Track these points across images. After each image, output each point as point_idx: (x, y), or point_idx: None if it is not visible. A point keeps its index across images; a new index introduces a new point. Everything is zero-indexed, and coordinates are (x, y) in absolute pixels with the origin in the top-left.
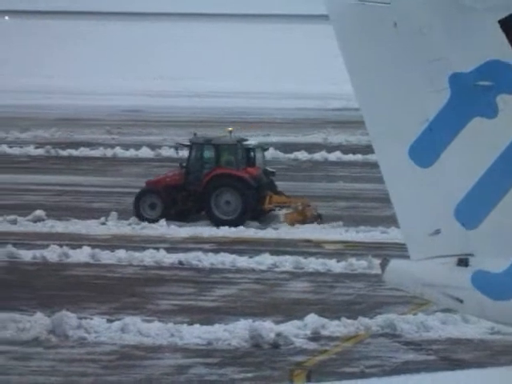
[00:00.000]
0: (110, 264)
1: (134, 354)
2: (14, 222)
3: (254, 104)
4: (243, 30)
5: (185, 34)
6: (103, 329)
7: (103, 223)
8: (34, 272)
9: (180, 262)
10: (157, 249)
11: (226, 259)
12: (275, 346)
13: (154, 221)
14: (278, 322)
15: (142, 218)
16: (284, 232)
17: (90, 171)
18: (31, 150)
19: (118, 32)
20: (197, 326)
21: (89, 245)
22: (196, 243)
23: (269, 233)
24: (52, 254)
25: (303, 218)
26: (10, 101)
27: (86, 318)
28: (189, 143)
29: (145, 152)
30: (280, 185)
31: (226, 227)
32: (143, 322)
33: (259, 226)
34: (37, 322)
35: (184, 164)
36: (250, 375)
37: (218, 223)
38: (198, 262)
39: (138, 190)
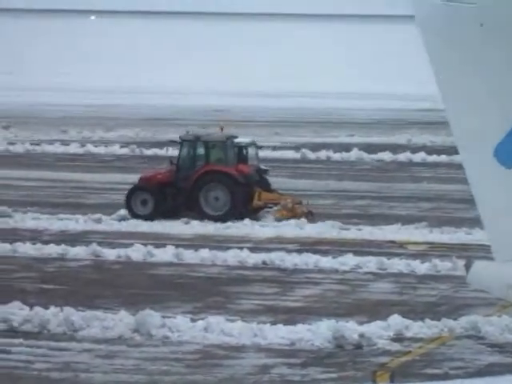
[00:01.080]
0: (194, 263)
1: (217, 353)
2: (99, 221)
3: (340, 104)
4: (326, 30)
5: (280, 33)
6: (187, 328)
7: (187, 222)
8: (119, 271)
9: (263, 262)
10: (240, 248)
11: (309, 259)
12: (358, 346)
13: (146, 217)
14: (361, 323)
15: (133, 214)
16: (367, 233)
17: None
18: (116, 149)
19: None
20: (280, 325)
21: (173, 244)
22: (279, 243)
23: (352, 233)
24: (136, 252)
25: (292, 215)
26: (95, 101)
27: (169, 317)
28: (179, 140)
29: None
30: (363, 185)
31: (309, 227)
32: (226, 322)
33: (342, 226)
34: (121, 321)
35: (174, 161)
36: (333, 376)
37: (207, 219)
38: (281, 262)
39: None
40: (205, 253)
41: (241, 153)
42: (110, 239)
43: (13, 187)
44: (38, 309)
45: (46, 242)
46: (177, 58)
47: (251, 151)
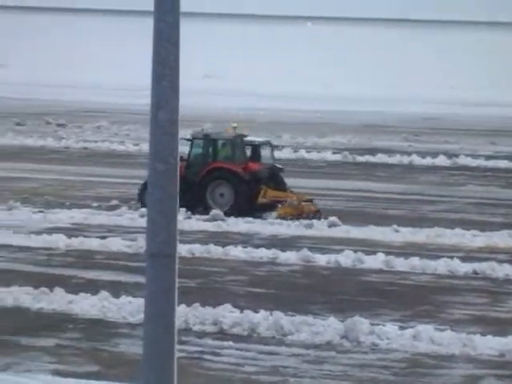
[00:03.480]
0: (404, 271)
1: (426, 362)
2: (310, 226)
3: None
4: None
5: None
6: (395, 336)
7: (397, 230)
8: (328, 276)
9: (474, 272)
10: (451, 257)
11: None
12: None
13: None
14: None
15: (145, 206)
16: None
17: (386, 178)
18: (328, 156)
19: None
20: (489, 336)
21: (383, 251)
22: (491, 253)
23: None
24: (346, 259)
25: (298, 213)
26: (306, 106)
27: (378, 325)
28: (190, 138)
29: (441, 160)
30: None
31: None
32: (436, 331)
33: None
34: (330, 327)
35: (185, 157)
36: None
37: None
38: (492, 271)
39: (432, 199)
40: (415, 261)
41: (255, 151)
42: (320, 244)
43: None
44: (247, 312)
45: (257, 246)
46: (378, 65)
47: (264, 150)
